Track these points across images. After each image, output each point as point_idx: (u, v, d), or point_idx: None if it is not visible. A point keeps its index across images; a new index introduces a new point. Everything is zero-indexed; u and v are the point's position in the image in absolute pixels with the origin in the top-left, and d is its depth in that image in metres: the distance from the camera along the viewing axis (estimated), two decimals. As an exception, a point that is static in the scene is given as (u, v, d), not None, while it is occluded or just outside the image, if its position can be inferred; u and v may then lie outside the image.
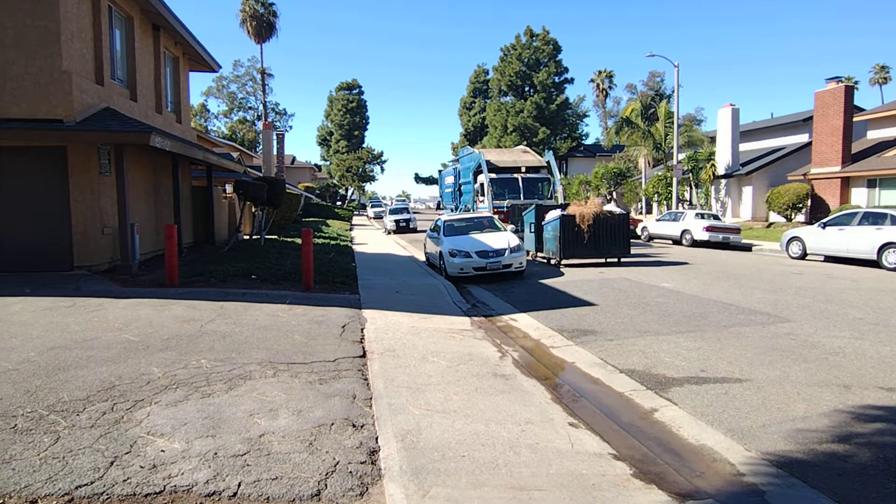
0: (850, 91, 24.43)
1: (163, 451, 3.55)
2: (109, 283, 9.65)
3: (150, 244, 12.88)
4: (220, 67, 19.08)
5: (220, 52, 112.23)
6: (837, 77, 25.32)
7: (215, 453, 3.54)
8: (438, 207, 38.07)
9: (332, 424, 4.06)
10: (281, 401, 4.46)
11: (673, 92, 31.12)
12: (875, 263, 13.65)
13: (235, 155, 24.89)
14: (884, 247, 13.42)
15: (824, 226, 15.35)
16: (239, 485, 3.18)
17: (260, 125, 43.16)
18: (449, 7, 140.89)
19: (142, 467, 3.34)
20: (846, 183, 23.93)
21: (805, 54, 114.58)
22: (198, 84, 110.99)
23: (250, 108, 65.22)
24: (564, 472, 3.54)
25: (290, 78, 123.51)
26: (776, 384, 5.28)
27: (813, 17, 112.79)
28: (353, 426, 4.06)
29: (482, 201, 21.27)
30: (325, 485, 3.23)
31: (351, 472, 3.40)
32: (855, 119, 25.15)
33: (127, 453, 3.50)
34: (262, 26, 48.68)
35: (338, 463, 3.49)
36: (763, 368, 5.75)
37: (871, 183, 23.11)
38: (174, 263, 9.69)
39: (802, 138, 28.63)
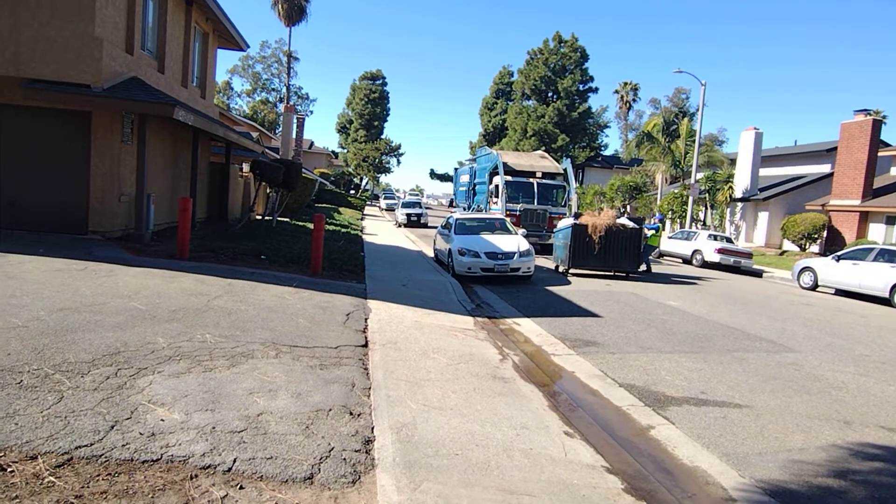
0: (877, 125, 24.09)
1: (162, 420, 3.60)
2: (122, 250, 9.77)
3: (163, 216, 13.00)
4: (248, 47, 19.20)
5: (249, 32, 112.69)
6: (866, 109, 24.96)
7: (213, 427, 3.58)
8: (451, 205, 38.08)
9: (330, 410, 4.10)
10: (281, 382, 4.50)
11: (697, 110, 30.88)
12: (887, 302, 13.48)
13: (255, 135, 25.06)
14: (897, 286, 13.25)
15: (839, 259, 15.18)
16: (234, 461, 3.22)
17: (282, 107, 43.32)
18: (477, 7, 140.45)
19: (141, 434, 3.39)
20: (864, 217, 23.63)
21: (834, 83, 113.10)
22: (224, 62, 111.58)
23: (273, 89, 65.51)
24: (556, 480, 3.54)
25: (315, 63, 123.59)
26: (776, 413, 5.25)
27: (844, 48, 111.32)
28: (351, 414, 4.09)
29: (496, 203, 21.24)
30: (319, 469, 3.26)
31: (345, 458, 3.43)
32: (880, 154, 24.81)
33: (127, 419, 3.55)
34: (294, 9, 48.77)
35: (332, 449, 3.52)
36: (764, 396, 5.71)
37: (891, 220, 22.80)
38: (186, 237, 9.78)
39: (824, 168, 28.28)
